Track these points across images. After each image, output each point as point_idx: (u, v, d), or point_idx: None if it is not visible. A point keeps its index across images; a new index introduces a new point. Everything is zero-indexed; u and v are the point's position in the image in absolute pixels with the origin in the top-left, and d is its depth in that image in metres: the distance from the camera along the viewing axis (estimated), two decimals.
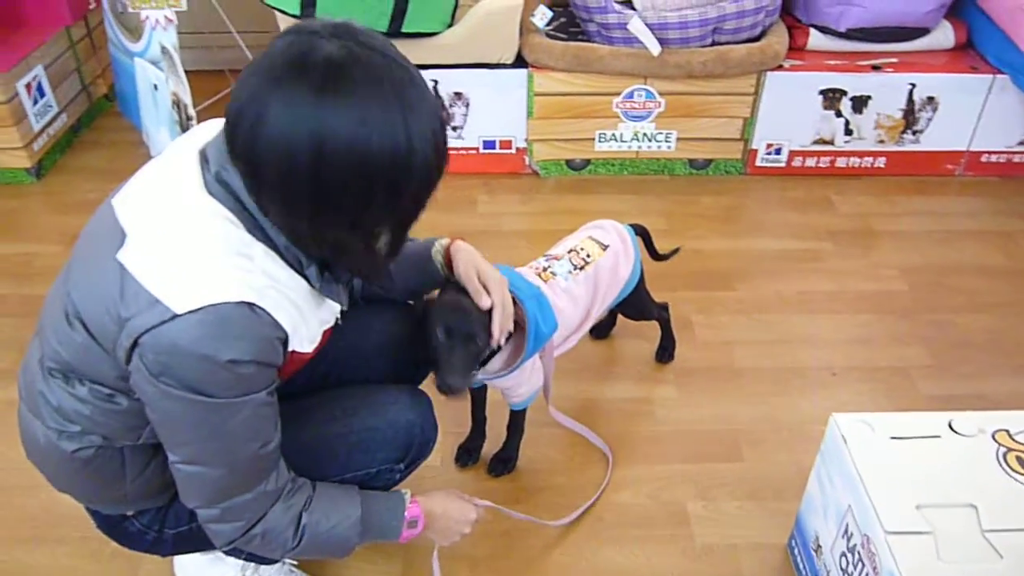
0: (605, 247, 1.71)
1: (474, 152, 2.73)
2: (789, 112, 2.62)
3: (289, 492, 1.15)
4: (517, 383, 1.58)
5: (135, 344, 0.99)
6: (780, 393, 1.96)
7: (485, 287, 1.35)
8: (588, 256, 1.67)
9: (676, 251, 1.98)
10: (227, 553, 1.42)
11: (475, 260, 1.38)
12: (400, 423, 1.31)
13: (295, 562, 1.52)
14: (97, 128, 3.04)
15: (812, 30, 2.63)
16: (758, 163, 2.74)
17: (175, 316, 0.96)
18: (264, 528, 1.13)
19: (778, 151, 2.71)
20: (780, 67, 2.56)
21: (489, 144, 2.71)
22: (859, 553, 1.32)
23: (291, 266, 1.06)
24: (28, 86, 2.64)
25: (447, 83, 2.58)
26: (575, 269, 1.64)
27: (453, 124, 2.66)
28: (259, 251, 1.02)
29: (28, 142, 2.65)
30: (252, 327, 1.00)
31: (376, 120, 0.91)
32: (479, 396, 1.74)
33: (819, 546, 1.48)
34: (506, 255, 1.64)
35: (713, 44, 2.50)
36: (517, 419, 1.72)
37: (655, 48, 2.42)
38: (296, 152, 0.90)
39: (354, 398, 1.34)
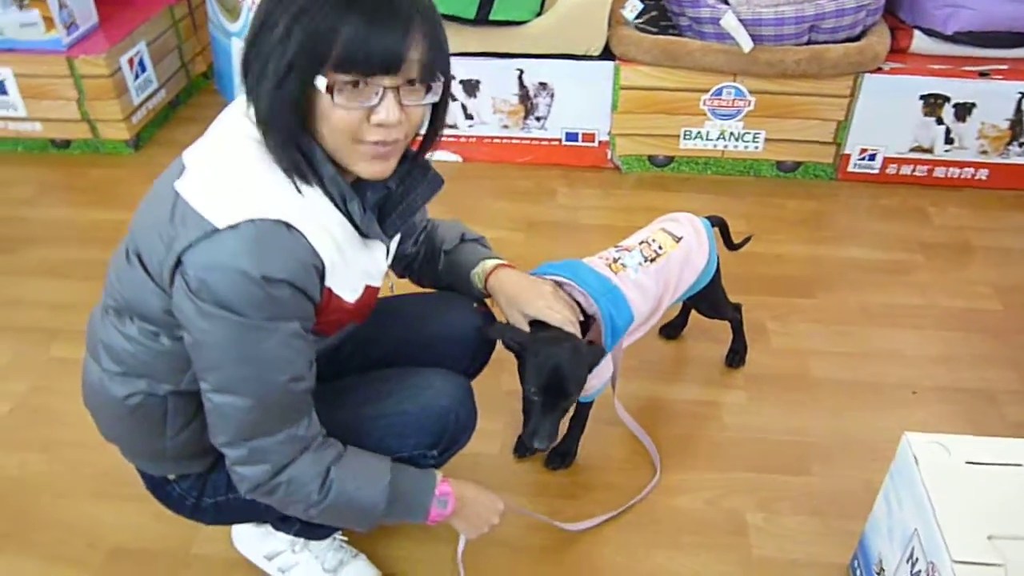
0: (678, 239, 1.67)
1: (556, 143, 2.71)
2: (886, 117, 2.51)
3: (320, 444, 1.15)
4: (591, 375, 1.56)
5: (178, 262, 1.02)
6: (855, 408, 1.88)
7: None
8: (660, 248, 1.64)
9: (748, 239, 1.93)
10: (276, 527, 1.47)
11: (517, 302, 1.41)
12: (434, 408, 1.29)
13: (344, 537, 1.54)
14: (194, 104, 3.15)
15: (916, 32, 2.51)
16: (850, 169, 2.63)
17: (215, 231, 1.00)
18: (290, 475, 1.12)
19: (872, 157, 2.60)
20: (879, 69, 2.45)
21: (572, 136, 2.69)
22: None
23: (334, 202, 1.09)
24: (131, 61, 2.75)
25: (533, 73, 2.57)
26: (646, 261, 1.60)
27: (537, 115, 2.65)
28: (298, 179, 1.06)
29: (128, 115, 2.77)
30: (288, 246, 1.03)
31: None
32: None
33: (882, 569, 1.41)
34: (580, 250, 1.63)
35: (809, 43, 2.41)
36: (582, 412, 1.70)
37: (747, 44, 2.35)
38: None
39: (391, 381, 1.34)
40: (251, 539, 1.53)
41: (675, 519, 1.65)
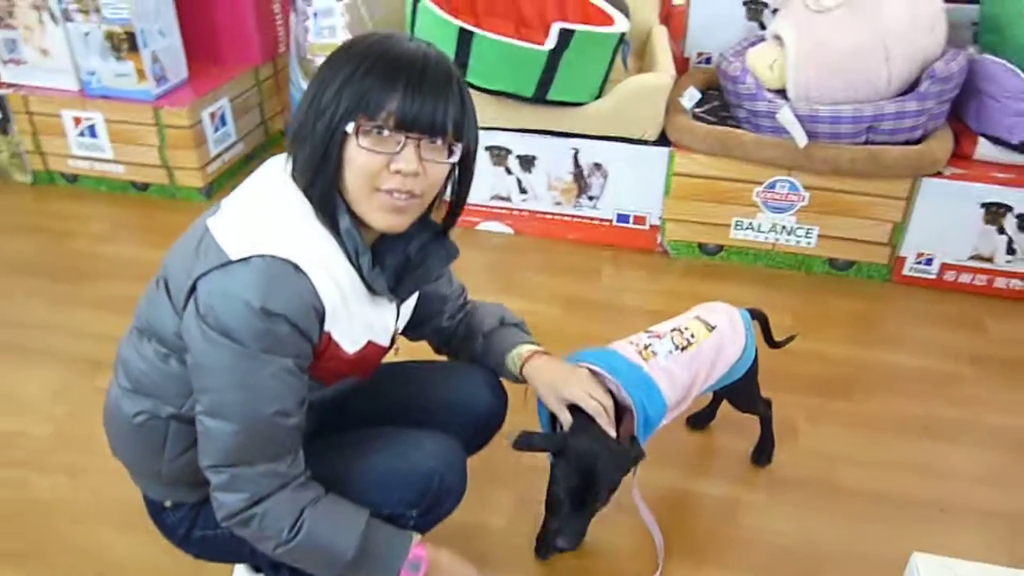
0: (711, 328, 1.65)
1: (607, 224, 2.74)
2: (945, 222, 2.46)
3: (300, 485, 1.18)
4: None
5: (193, 288, 1.11)
6: (875, 520, 1.80)
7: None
8: (692, 336, 1.61)
9: (792, 338, 1.89)
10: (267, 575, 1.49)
11: (555, 386, 1.43)
12: (421, 469, 1.30)
13: None
14: (268, 159, 3.30)
15: (981, 139, 2.46)
16: (905, 272, 2.57)
17: (229, 262, 1.08)
18: (265, 509, 1.15)
19: (929, 262, 2.53)
20: (939, 174, 2.41)
21: (623, 218, 2.71)
22: None
23: (347, 254, 1.16)
24: (212, 115, 2.92)
25: (588, 153, 2.62)
26: (676, 349, 1.58)
27: (590, 194, 2.69)
28: (320, 230, 1.14)
29: (204, 164, 2.93)
30: (292, 286, 1.10)
31: None
32: None
33: None
34: (619, 332, 1.62)
35: (867, 142, 2.39)
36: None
37: (802, 140, 2.35)
38: None
39: (384, 437, 1.36)
40: None
41: None
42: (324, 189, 1.13)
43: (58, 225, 2.88)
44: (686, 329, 1.63)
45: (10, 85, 2.94)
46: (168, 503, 1.35)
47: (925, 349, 2.35)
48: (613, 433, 1.40)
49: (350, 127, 1.09)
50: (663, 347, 1.57)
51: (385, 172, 1.12)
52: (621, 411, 1.47)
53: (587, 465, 1.36)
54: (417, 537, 1.27)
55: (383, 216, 1.16)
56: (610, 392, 1.47)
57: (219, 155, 3.00)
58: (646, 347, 1.57)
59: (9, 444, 1.96)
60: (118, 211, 2.96)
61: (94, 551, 1.70)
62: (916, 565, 1.29)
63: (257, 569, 1.54)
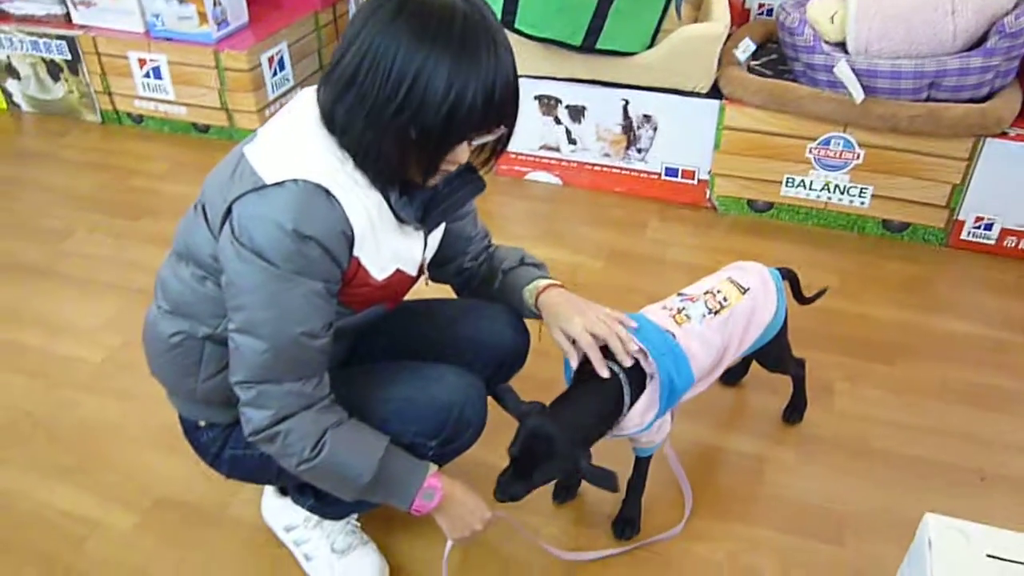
0: (744, 291, 1.62)
1: (655, 177, 2.70)
2: (1008, 185, 2.36)
3: (324, 407, 1.23)
4: (648, 434, 1.54)
5: (229, 211, 1.15)
6: (911, 486, 1.78)
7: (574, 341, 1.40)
8: (725, 300, 1.58)
9: (822, 293, 1.85)
10: (294, 499, 1.55)
11: (558, 318, 1.41)
12: (440, 400, 1.34)
13: (358, 523, 1.60)
14: None
15: None
16: (963, 236, 2.48)
17: (264, 185, 1.13)
18: (288, 427, 1.20)
19: (988, 227, 2.44)
20: (1004, 134, 2.31)
21: (671, 172, 2.68)
22: None
23: (375, 185, 1.19)
24: (271, 59, 2.97)
25: (638, 104, 2.58)
26: (710, 313, 1.55)
27: (638, 146, 2.66)
28: (350, 162, 1.17)
29: (262, 108, 2.98)
30: (323, 209, 1.14)
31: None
32: None
33: None
34: (659, 286, 1.61)
35: (928, 99, 2.30)
36: (641, 468, 1.64)
37: (859, 95, 2.27)
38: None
39: (406, 369, 1.40)
40: (275, 510, 1.63)
41: (691, 564, 1.61)
42: (366, 153, 1.15)
43: (122, 163, 2.99)
44: (719, 292, 1.60)
45: (81, 27, 3.04)
46: (202, 422, 1.41)
47: (978, 316, 2.27)
48: (605, 373, 1.38)
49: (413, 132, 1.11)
50: (696, 311, 1.54)
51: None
52: (644, 377, 1.46)
53: (531, 450, 1.35)
54: (433, 468, 1.31)
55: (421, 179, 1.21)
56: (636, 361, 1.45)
57: (277, 99, 3.05)
58: (679, 311, 1.54)
59: (66, 368, 2.07)
60: (179, 151, 3.05)
61: (137, 471, 1.80)
62: (928, 525, 1.27)
63: (284, 491, 1.61)
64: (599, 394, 1.42)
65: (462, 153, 1.17)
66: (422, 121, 1.08)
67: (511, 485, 1.37)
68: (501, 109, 1.13)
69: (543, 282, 1.47)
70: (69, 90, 3.18)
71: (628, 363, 1.39)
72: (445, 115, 1.08)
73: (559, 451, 1.34)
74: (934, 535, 1.25)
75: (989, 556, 1.23)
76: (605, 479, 1.34)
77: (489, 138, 1.18)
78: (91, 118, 3.23)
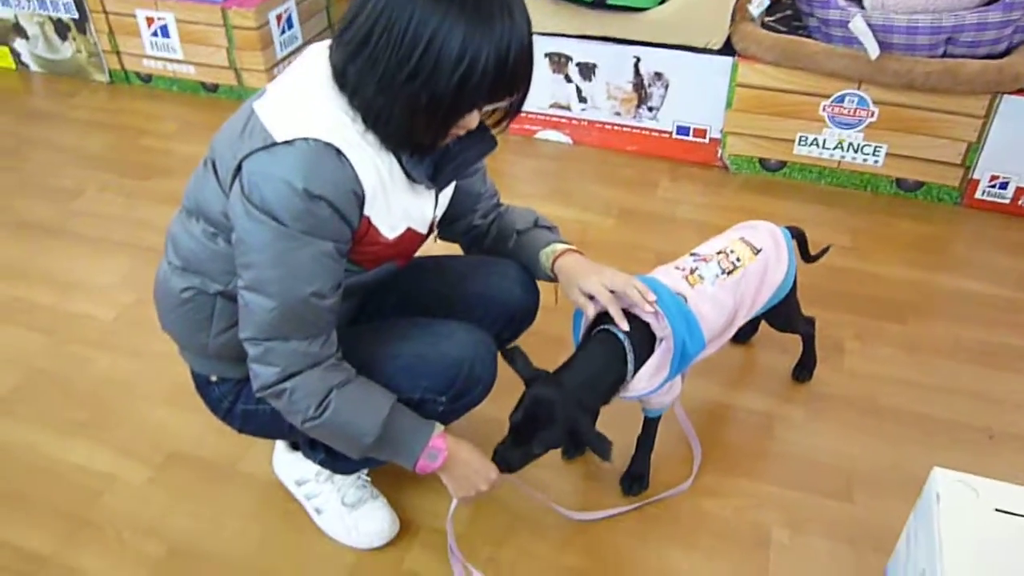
0: (757, 251, 1.61)
1: (667, 136, 2.68)
2: None
3: (331, 366, 1.23)
4: (658, 396, 1.54)
5: (239, 168, 1.15)
6: (919, 442, 1.78)
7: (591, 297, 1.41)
8: (738, 260, 1.57)
9: (827, 250, 1.84)
10: (305, 454, 1.57)
11: (576, 278, 1.42)
12: (450, 356, 1.34)
13: (368, 477, 1.61)
14: None
15: None
16: (978, 195, 2.46)
17: (274, 143, 1.12)
18: (295, 384, 1.20)
19: (1004, 185, 2.41)
20: (1021, 91, 2.26)
21: (683, 130, 2.65)
22: None
23: (385, 146, 1.19)
24: (279, 17, 2.94)
25: (649, 61, 2.55)
26: (723, 274, 1.54)
27: (650, 104, 2.63)
28: (359, 120, 1.15)
29: (270, 66, 2.97)
30: (334, 168, 1.13)
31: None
32: None
33: None
34: (669, 244, 1.60)
35: (945, 55, 2.26)
36: (650, 429, 1.65)
37: (874, 51, 2.24)
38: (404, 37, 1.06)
39: (417, 326, 1.40)
40: (286, 464, 1.64)
41: (699, 520, 1.63)
42: (377, 116, 1.14)
43: (131, 123, 2.98)
44: (731, 252, 1.59)
45: None
46: (214, 377, 1.42)
47: (991, 275, 2.25)
48: (625, 326, 1.39)
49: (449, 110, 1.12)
50: (709, 271, 1.54)
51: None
52: (654, 340, 1.46)
53: (532, 416, 1.36)
54: (439, 428, 1.31)
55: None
56: (647, 324, 1.44)
57: (285, 57, 3.03)
58: (692, 271, 1.53)
59: (79, 325, 2.08)
60: (188, 111, 3.04)
61: (150, 426, 1.82)
62: (935, 479, 1.27)
63: (295, 447, 1.62)
64: (603, 358, 1.43)
65: (472, 119, 1.16)
66: (433, 87, 1.07)
67: (509, 453, 1.38)
68: (513, 77, 1.12)
69: (560, 247, 1.47)
70: (77, 49, 3.16)
71: (650, 310, 1.40)
72: (457, 82, 1.07)
73: (560, 416, 1.35)
74: (942, 489, 1.25)
75: (997, 510, 1.23)
76: (602, 446, 1.35)
77: (500, 105, 1.17)
78: (99, 77, 3.21)
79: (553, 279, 1.48)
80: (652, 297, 1.40)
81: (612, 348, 1.42)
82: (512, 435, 1.39)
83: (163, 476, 1.71)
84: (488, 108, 1.16)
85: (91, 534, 1.59)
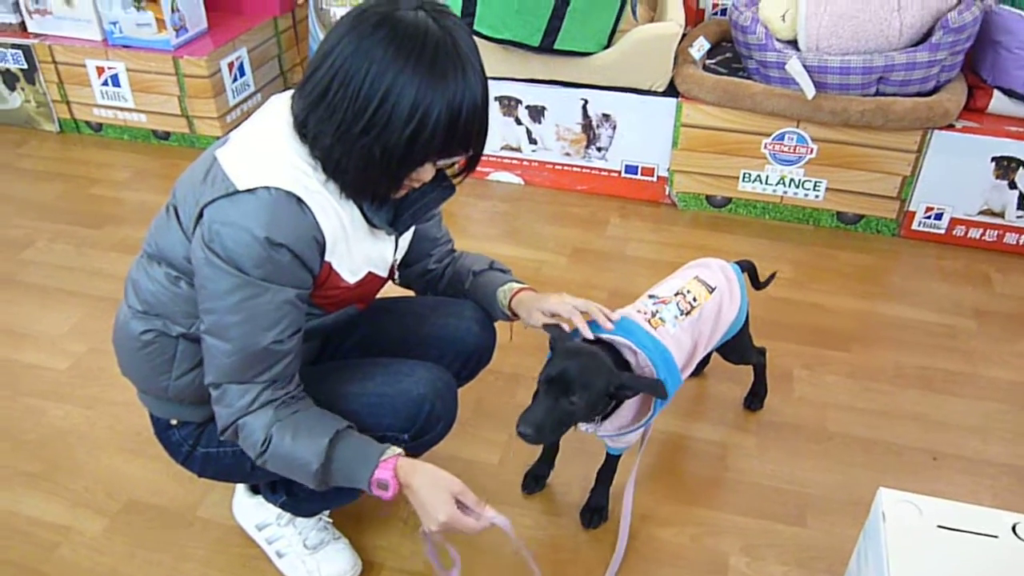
0: (712, 289, 1.65)
1: (615, 175, 2.75)
2: (956, 176, 2.44)
3: (285, 403, 1.23)
4: (629, 435, 1.56)
5: (200, 215, 1.16)
6: (866, 466, 1.83)
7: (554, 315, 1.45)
8: (694, 300, 1.61)
9: (773, 276, 1.90)
10: (265, 497, 1.56)
11: (536, 304, 1.45)
12: (411, 395, 1.36)
13: (330, 519, 1.61)
14: None
15: (996, 92, 2.43)
16: (914, 226, 2.56)
17: (236, 192, 1.14)
18: (244, 422, 1.22)
19: (939, 216, 2.52)
20: (951, 127, 2.39)
21: (631, 169, 2.72)
22: None
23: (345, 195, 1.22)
24: (231, 64, 2.97)
25: (597, 103, 2.62)
26: (682, 314, 1.58)
27: (598, 145, 2.70)
28: (320, 168, 1.18)
29: (222, 114, 2.98)
30: (295, 217, 1.16)
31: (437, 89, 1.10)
32: None
33: None
34: (621, 281, 1.63)
35: (877, 94, 2.37)
36: (611, 464, 1.67)
37: (810, 91, 2.34)
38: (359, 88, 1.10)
39: (377, 365, 1.42)
40: (246, 508, 1.63)
41: (656, 550, 1.65)
42: (336, 166, 1.17)
43: (82, 172, 2.96)
44: (688, 292, 1.63)
45: (36, 35, 3.02)
46: (174, 421, 1.41)
47: (929, 303, 2.35)
48: (590, 335, 1.42)
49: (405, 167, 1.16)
50: (669, 313, 1.57)
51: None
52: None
53: (569, 360, 1.36)
54: (390, 453, 1.24)
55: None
56: (626, 362, 1.47)
57: (237, 105, 3.05)
58: (654, 314, 1.56)
59: (31, 376, 2.05)
60: (140, 159, 3.03)
61: (105, 476, 1.79)
62: (881, 499, 1.32)
63: (255, 491, 1.62)
64: (608, 356, 1.44)
65: (426, 172, 1.20)
66: (385, 141, 1.11)
67: (538, 410, 1.35)
68: (466, 133, 1.15)
69: (516, 285, 1.51)
70: (26, 99, 3.14)
71: (610, 327, 1.44)
72: (408, 136, 1.10)
73: (606, 366, 1.37)
74: (888, 508, 1.30)
75: (940, 527, 1.28)
76: (653, 384, 1.39)
77: (455, 159, 1.20)
78: (49, 127, 3.20)
79: (509, 317, 1.52)
80: (615, 316, 1.45)
81: (611, 354, 1.45)
82: (545, 390, 1.36)
83: (120, 525, 1.68)
84: (443, 162, 1.20)
85: None
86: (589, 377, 1.36)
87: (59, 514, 1.71)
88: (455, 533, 1.23)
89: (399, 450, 1.25)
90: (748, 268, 1.84)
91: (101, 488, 1.76)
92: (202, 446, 1.41)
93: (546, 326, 1.45)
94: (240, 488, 1.65)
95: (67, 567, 1.60)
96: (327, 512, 1.60)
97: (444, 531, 1.22)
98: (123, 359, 1.39)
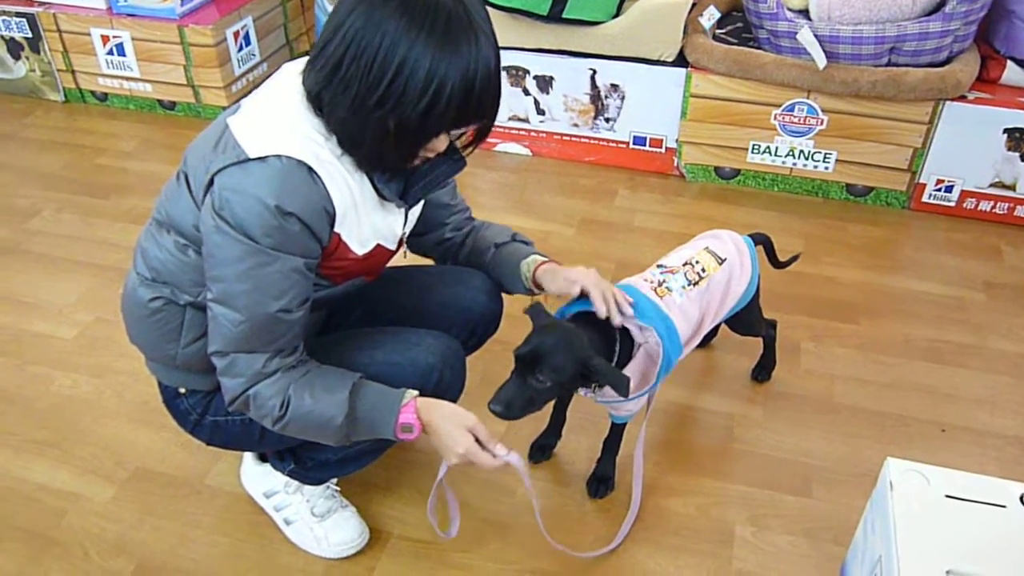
0: (721, 261, 1.64)
1: (623, 146, 2.73)
2: (967, 148, 2.41)
3: (292, 367, 1.23)
4: (632, 403, 1.56)
5: (211, 182, 1.16)
6: (874, 438, 1.83)
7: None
8: (703, 271, 1.60)
9: (796, 258, 1.88)
10: (273, 465, 1.57)
11: (559, 272, 1.46)
12: (420, 364, 1.36)
13: (337, 487, 1.62)
14: None
15: (1009, 63, 2.40)
16: (924, 199, 2.54)
17: (247, 159, 1.14)
18: (256, 391, 1.22)
19: (949, 189, 2.50)
20: (963, 98, 2.36)
21: (639, 140, 2.70)
22: None
23: (357, 166, 1.21)
24: (236, 34, 2.94)
25: (605, 73, 2.60)
26: (689, 285, 1.57)
27: (606, 115, 2.68)
28: (334, 141, 1.18)
29: (228, 83, 2.96)
30: (305, 186, 1.15)
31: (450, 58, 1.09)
32: (566, 397, 1.73)
33: None
34: (629, 252, 1.62)
35: (889, 64, 2.34)
36: (617, 433, 1.67)
37: (821, 61, 2.31)
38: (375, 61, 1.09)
39: (385, 334, 1.42)
40: (255, 476, 1.64)
41: (663, 519, 1.66)
42: (351, 139, 1.17)
43: (88, 142, 2.96)
44: (697, 262, 1.62)
45: (41, 3, 2.99)
46: (182, 389, 1.42)
47: (938, 275, 2.33)
48: (604, 311, 1.42)
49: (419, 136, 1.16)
50: (676, 283, 1.57)
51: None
52: (632, 347, 1.49)
53: (543, 341, 1.36)
54: (408, 396, 1.27)
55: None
56: (626, 329, 1.47)
57: (243, 74, 3.03)
58: (660, 283, 1.56)
59: (39, 345, 2.06)
60: (146, 129, 3.02)
61: (114, 444, 1.80)
62: (889, 468, 1.31)
63: (263, 458, 1.62)
64: (599, 331, 1.44)
65: (440, 143, 1.19)
66: (401, 113, 1.10)
67: (509, 389, 1.36)
68: (480, 103, 1.14)
69: (539, 258, 1.51)
70: (31, 69, 3.13)
71: (629, 311, 1.44)
72: (424, 108, 1.10)
73: (576, 344, 1.36)
74: (895, 477, 1.30)
75: (948, 496, 1.28)
76: (619, 379, 1.35)
77: (468, 129, 1.19)
78: (54, 97, 3.18)
79: (532, 291, 1.51)
80: (631, 301, 1.45)
81: (606, 331, 1.45)
82: (516, 369, 1.37)
83: (128, 493, 1.69)
84: (456, 132, 1.19)
85: (57, 553, 1.58)
86: (556, 357, 1.36)
87: (67, 481, 1.72)
88: (474, 467, 1.27)
89: (415, 392, 1.28)
90: (763, 242, 1.82)
91: (109, 456, 1.77)
92: (211, 414, 1.41)
93: (527, 309, 1.45)
94: (248, 456, 1.66)
95: (75, 533, 1.61)
96: (334, 480, 1.61)
97: (463, 463, 1.26)
98: (131, 327, 1.39)
